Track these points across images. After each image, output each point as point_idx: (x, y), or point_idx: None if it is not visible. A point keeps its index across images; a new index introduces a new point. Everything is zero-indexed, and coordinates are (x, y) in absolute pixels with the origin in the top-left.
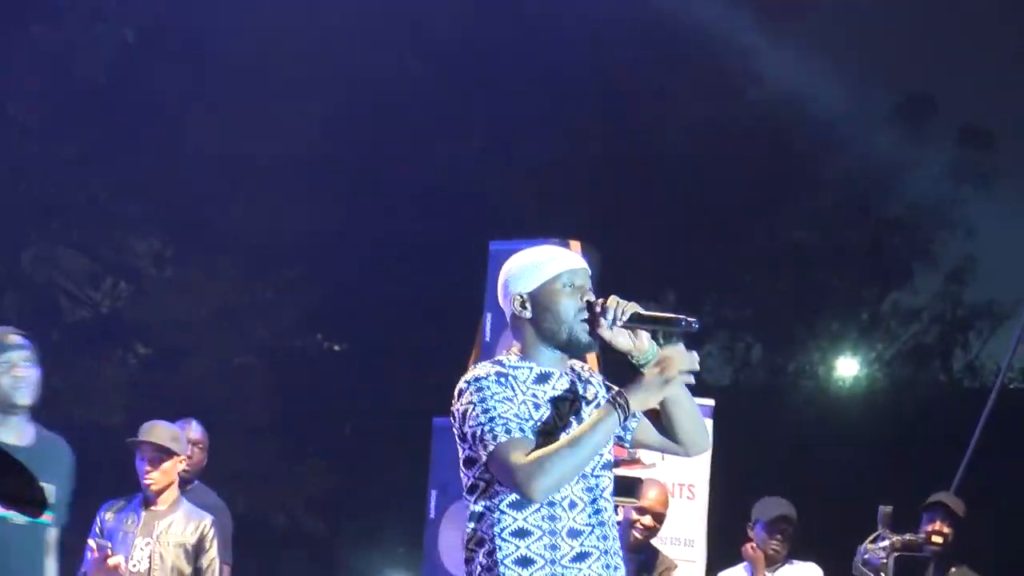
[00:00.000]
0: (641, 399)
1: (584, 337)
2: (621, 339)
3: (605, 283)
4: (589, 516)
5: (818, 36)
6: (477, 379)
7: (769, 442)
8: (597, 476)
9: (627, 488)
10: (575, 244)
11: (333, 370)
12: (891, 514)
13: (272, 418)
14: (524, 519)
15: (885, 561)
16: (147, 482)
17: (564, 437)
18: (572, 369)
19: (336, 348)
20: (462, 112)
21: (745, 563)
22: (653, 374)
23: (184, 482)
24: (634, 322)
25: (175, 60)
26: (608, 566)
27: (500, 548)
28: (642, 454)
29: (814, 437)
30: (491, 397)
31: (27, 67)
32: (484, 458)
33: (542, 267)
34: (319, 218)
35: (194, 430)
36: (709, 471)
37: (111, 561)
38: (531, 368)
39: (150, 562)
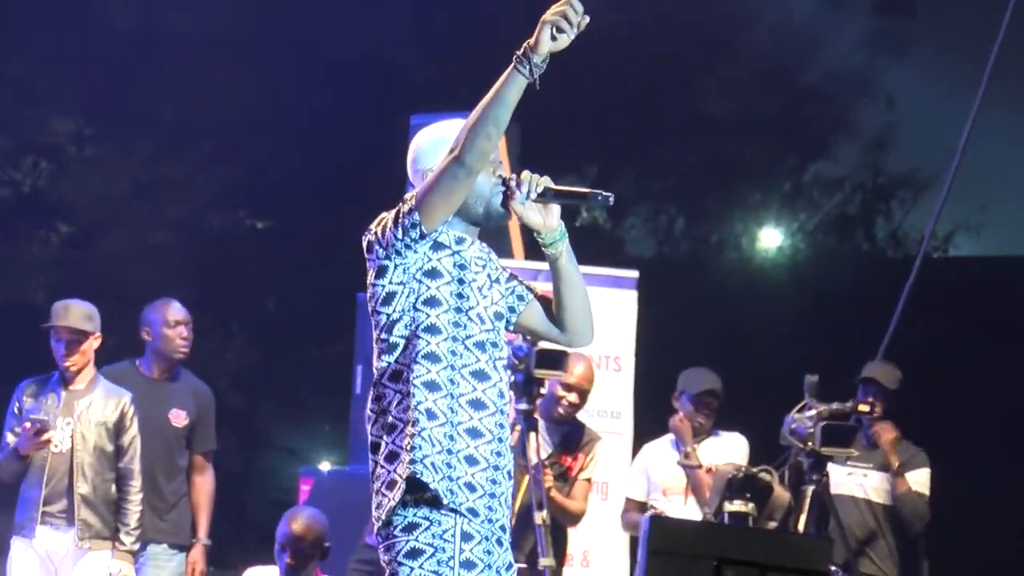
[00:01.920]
0: (539, 43)
1: (498, 211)
2: (532, 215)
3: (526, 157)
4: (497, 397)
5: None
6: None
7: (695, 313)
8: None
9: (553, 360)
10: None
11: (254, 247)
12: (818, 383)
13: (192, 295)
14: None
15: (812, 430)
16: (66, 364)
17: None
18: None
19: (259, 225)
20: None
21: (671, 435)
22: (544, 19)
23: (175, 364)
24: (548, 196)
25: None
26: (499, 453)
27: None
28: None
29: (739, 308)
30: None
31: None
32: (406, 219)
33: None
34: (237, 93)
35: (177, 310)
36: (635, 343)
37: (46, 436)
38: (453, 252)
39: (72, 441)
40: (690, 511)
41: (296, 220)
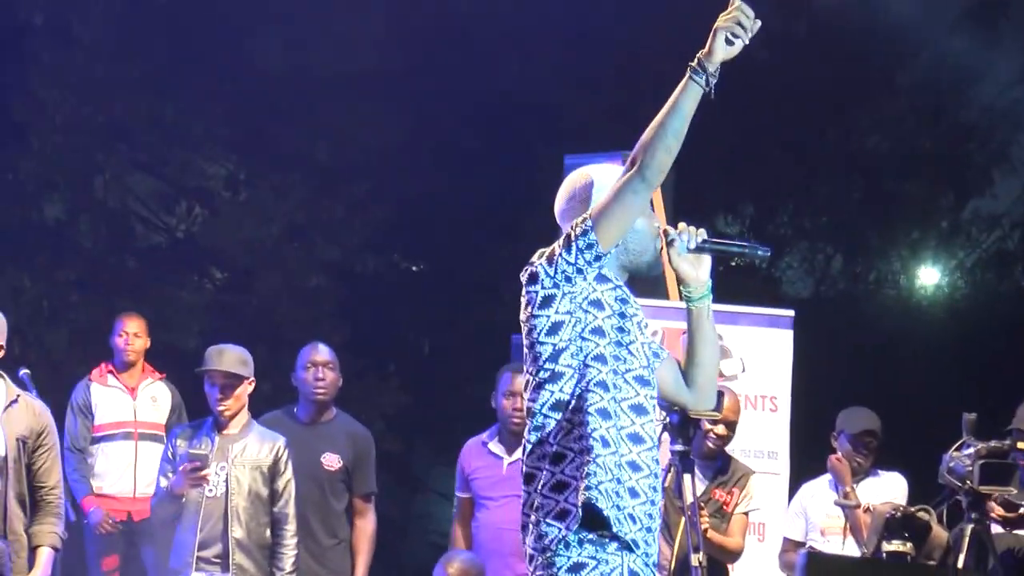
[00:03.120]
0: (713, 51)
1: (657, 260)
2: (686, 266)
3: (682, 198)
4: (652, 432)
5: None
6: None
7: (852, 352)
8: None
9: None
10: None
11: (408, 289)
12: (975, 421)
13: (346, 338)
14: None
15: (971, 468)
16: (220, 408)
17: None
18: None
19: (413, 268)
20: (533, 23)
21: (829, 474)
22: (716, 26)
23: (323, 406)
24: (706, 248)
25: None
26: (655, 488)
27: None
28: (724, 366)
29: (897, 346)
30: None
31: None
32: (580, 240)
33: None
34: (389, 132)
35: (322, 352)
36: (791, 382)
37: (204, 472)
38: (615, 286)
39: (227, 486)
40: (848, 551)
41: (448, 261)
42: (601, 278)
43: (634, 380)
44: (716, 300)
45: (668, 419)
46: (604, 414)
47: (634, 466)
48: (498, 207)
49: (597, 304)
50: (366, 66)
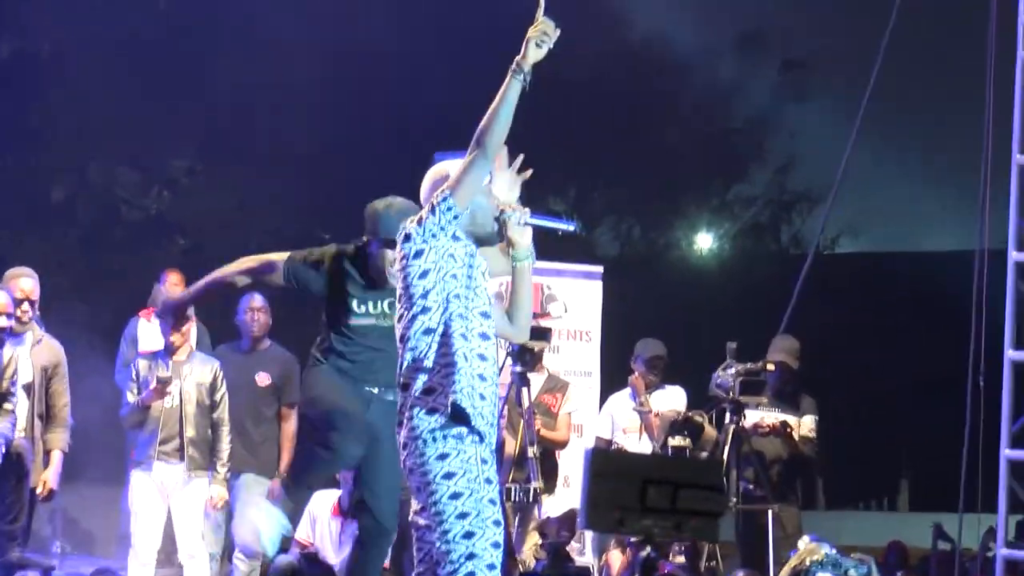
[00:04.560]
0: (527, 55)
1: (495, 234)
2: (516, 235)
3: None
4: (493, 353)
5: None
6: None
7: (647, 297)
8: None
9: (541, 334)
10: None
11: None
12: (736, 348)
13: (278, 290)
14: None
15: (732, 384)
16: (171, 340)
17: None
18: None
19: (326, 236)
20: (411, 42)
21: (629, 388)
22: (528, 36)
23: (257, 340)
24: (530, 223)
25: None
26: (495, 395)
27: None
28: (551, 308)
29: (681, 293)
30: None
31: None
32: (442, 204)
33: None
34: (311, 135)
35: (256, 300)
36: (601, 320)
37: (169, 388)
38: (465, 244)
39: (181, 397)
40: (644, 446)
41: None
42: (455, 237)
43: (480, 314)
44: (547, 259)
45: (510, 347)
46: (463, 337)
47: (482, 377)
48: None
49: (452, 257)
50: (295, 87)
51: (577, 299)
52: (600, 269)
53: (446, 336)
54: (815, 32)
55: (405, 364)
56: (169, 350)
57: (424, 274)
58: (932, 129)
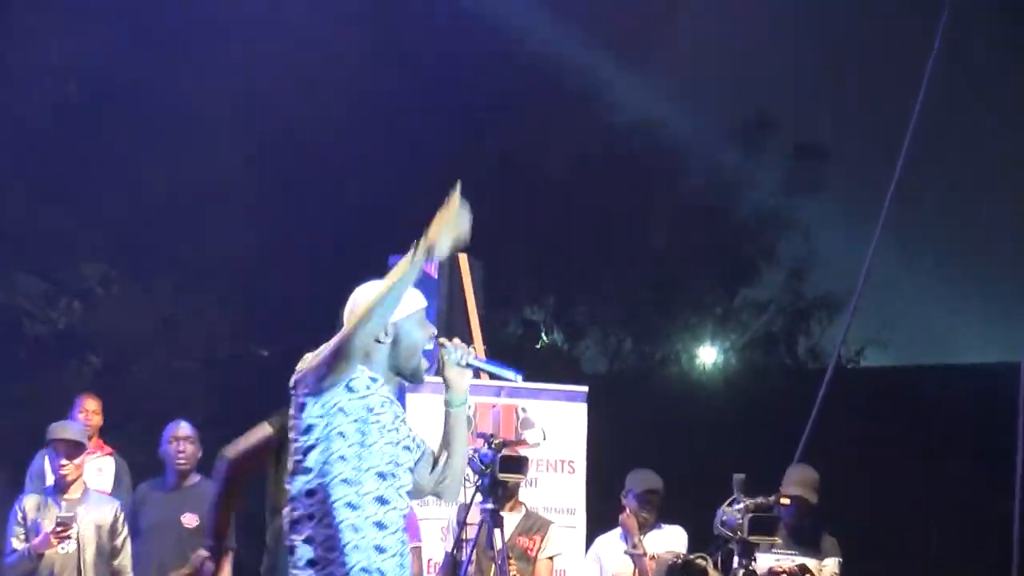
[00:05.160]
0: (439, 249)
1: (423, 370)
2: (453, 374)
3: (491, 290)
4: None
5: (667, 68)
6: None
7: (640, 421)
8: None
9: (516, 466)
10: (463, 256)
11: (265, 373)
12: (744, 481)
13: (211, 417)
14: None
15: (741, 521)
16: (63, 473)
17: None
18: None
19: (264, 353)
20: (365, 135)
21: (620, 528)
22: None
23: (184, 474)
24: (472, 366)
25: (116, 108)
26: (402, 566)
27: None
28: (527, 435)
29: (679, 417)
30: None
31: None
32: (315, 366)
33: (409, 300)
34: (245, 239)
35: (183, 428)
36: (586, 448)
37: (70, 532)
38: (364, 395)
39: (78, 542)
40: None
41: (295, 349)
42: (349, 388)
43: (376, 475)
44: (525, 378)
45: (480, 481)
46: (349, 507)
47: (380, 549)
48: (333, 300)
49: (343, 411)
50: (231, 181)
51: (558, 424)
52: (585, 389)
53: (327, 503)
54: (834, 114)
55: (288, 527)
56: (60, 487)
57: (308, 430)
58: (969, 228)
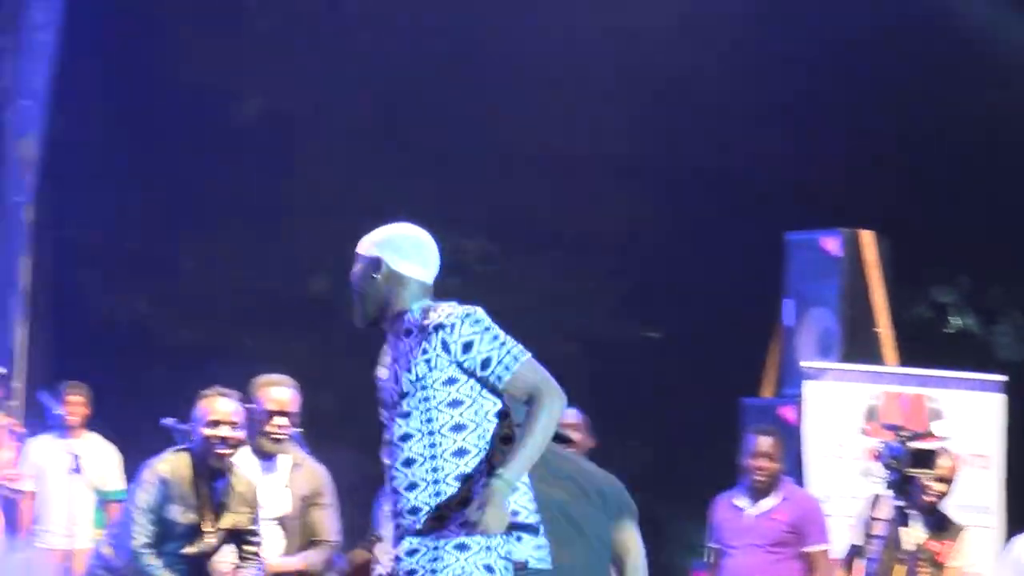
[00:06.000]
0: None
1: None
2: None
3: (900, 270)
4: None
5: None
6: (468, 314)
7: None
8: None
9: (925, 460)
10: (867, 234)
11: (646, 355)
12: None
13: (593, 402)
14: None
15: None
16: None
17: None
18: None
19: (652, 335)
20: (759, 104)
21: None
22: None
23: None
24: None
25: (491, 68)
26: None
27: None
28: (934, 427)
29: None
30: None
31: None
32: (505, 375)
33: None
34: (629, 214)
35: (567, 416)
36: (1003, 443)
37: None
38: None
39: None
40: None
41: (686, 329)
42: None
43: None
44: (931, 366)
45: (890, 476)
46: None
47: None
48: (726, 279)
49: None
50: (609, 152)
51: (970, 415)
52: (1000, 379)
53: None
54: None
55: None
56: None
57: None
58: None
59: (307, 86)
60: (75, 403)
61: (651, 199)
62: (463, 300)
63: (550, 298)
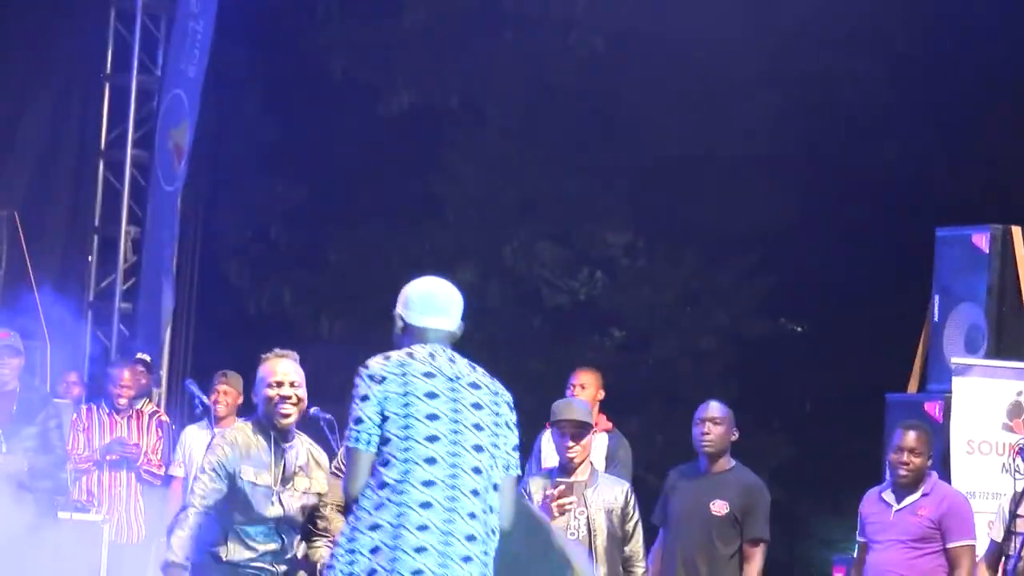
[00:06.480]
0: None
1: None
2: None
3: None
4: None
5: None
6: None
7: None
8: None
9: None
10: (1017, 230)
11: (791, 350)
12: None
13: (736, 397)
14: None
15: None
16: (570, 456)
17: None
18: None
19: (798, 329)
20: (909, 103)
21: None
22: None
23: (713, 458)
24: None
25: (639, 65)
26: None
27: None
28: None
29: None
30: None
31: (504, 74)
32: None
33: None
34: (775, 208)
35: (711, 409)
36: None
37: (566, 500)
38: None
39: (589, 528)
40: None
41: (830, 325)
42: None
43: None
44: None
45: None
46: None
47: None
48: (874, 275)
49: None
50: (755, 150)
51: None
52: None
53: None
54: None
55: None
56: (564, 468)
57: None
58: None
59: (456, 81)
60: (227, 392)
61: (797, 196)
62: (608, 296)
63: (693, 292)
